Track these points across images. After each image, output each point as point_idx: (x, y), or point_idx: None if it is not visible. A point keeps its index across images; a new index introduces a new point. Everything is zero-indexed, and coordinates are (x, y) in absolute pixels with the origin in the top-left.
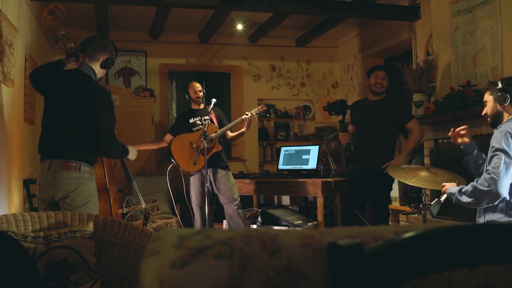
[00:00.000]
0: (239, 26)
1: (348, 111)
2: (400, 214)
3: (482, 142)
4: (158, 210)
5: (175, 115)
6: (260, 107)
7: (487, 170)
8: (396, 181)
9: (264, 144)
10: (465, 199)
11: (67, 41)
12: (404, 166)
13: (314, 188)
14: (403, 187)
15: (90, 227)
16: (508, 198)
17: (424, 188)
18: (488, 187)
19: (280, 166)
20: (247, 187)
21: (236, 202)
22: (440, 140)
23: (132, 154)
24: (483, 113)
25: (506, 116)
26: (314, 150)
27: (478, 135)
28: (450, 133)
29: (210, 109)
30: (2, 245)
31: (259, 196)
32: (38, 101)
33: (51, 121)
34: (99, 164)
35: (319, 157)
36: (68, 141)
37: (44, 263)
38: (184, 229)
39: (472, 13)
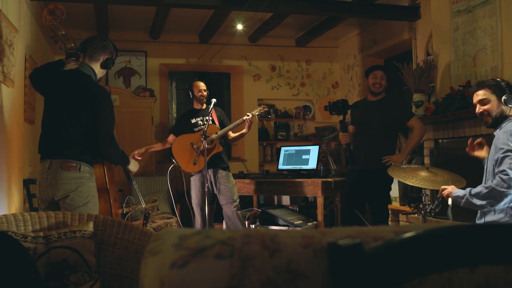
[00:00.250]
0: (239, 26)
1: (349, 111)
2: (400, 214)
3: None
4: (158, 210)
5: (175, 115)
6: (261, 108)
7: (502, 171)
8: (396, 181)
9: (264, 144)
10: (478, 201)
11: (67, 41)
12: (404, 166)
13: (314, 188)
14: (403, 187)
15: (90, 227)
16: None
17: (424, 188)
18: (507, 188)
19: (280, 166)
20: (247, 187)
21: (235, 204)
22: (440, 140)
23: (133, 166)
24: (481, 110)
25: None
26: (314, 150)
27: (478, 135)
28: (467, 148)
29: (210, 109)
30: (2, 245)
31: (259, 196)
32: (38, 101)
33: (51, 121)
34: (99, 164)
35: (319, 157)
36: (68, 141)
37: (44, 263)
38: (184, 229)
39: (472, 13)
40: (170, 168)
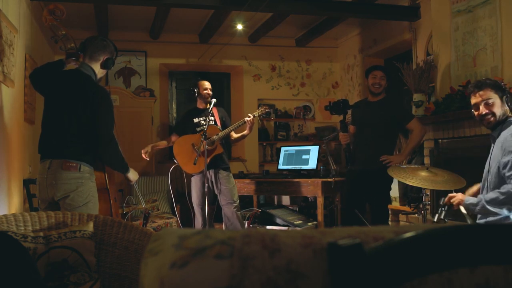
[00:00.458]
0: (239, 26)
1: (349, 111)
2: (400, 214)
3: (482, 142)
4: (158, 210)
5: (175, 115)
6: (263, 109)
7: None
8: (396, 181)
9: (264, 144)
10: (495, 208)
11: (67, 41)
12: (404, 166)
13: (314, 188)
14: (403, 187)
15: (90, 227)
16: None
17: (424, 188)
18: None
19: (280, 166)
20: (247, 187)
21: (235, 204)
22: (440, 140)
23: (133, 175)
24: (487, 111)
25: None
26: (314, 150)
27: (478, 135)
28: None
29: (210, 109)
30: (2, 245)
31: (259, 196)
32: (38, 101)
33: (51, 121)
34: (99, 164)
35: (319, 157)
36: (68, 141)
37: (44, 263)
38: (184, 229)
39: (472, 13)
40: (171, 169)
